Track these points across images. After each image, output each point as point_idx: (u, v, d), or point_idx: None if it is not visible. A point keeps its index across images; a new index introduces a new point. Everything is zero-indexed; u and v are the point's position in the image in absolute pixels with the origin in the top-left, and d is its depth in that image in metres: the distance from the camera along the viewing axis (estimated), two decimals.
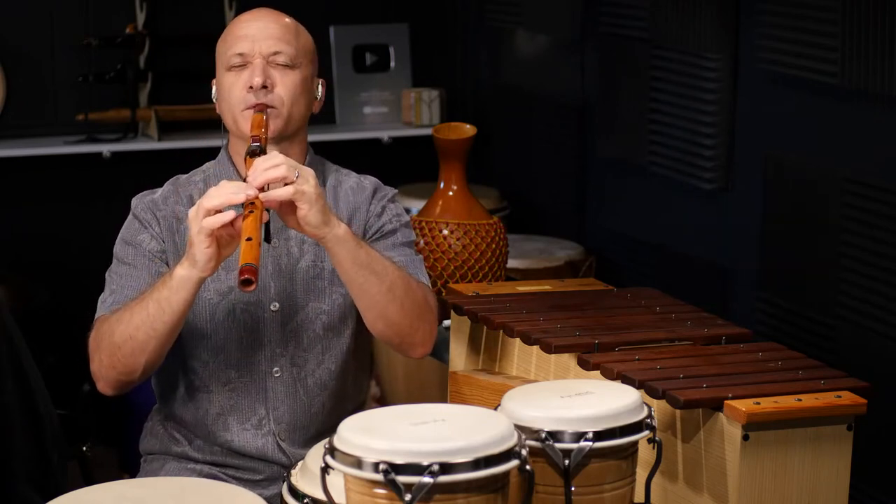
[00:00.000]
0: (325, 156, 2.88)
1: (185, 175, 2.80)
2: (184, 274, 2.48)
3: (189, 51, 4.78)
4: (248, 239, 2.36)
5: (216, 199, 2.43)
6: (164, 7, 4.80)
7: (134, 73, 4.70)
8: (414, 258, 2.76)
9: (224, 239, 2.46)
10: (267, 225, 2.62)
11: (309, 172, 2.48)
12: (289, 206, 2.47)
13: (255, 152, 2.52)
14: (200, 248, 2.44)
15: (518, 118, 4.83)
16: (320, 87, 2.78)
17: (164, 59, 4.79)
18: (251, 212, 2.41)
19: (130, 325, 2.54)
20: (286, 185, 2.45)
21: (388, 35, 5.05)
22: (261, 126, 2.61)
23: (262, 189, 2.44)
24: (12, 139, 4.66)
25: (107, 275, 2.71)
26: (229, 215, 2.42)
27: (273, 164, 2.46)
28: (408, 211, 4.28)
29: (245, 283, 2.32)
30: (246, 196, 2.42)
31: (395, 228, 2.77)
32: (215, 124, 2.84)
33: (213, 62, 2.77)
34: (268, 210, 2.49)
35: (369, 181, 2.82)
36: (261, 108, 2.65)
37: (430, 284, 2.74)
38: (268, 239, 2.65)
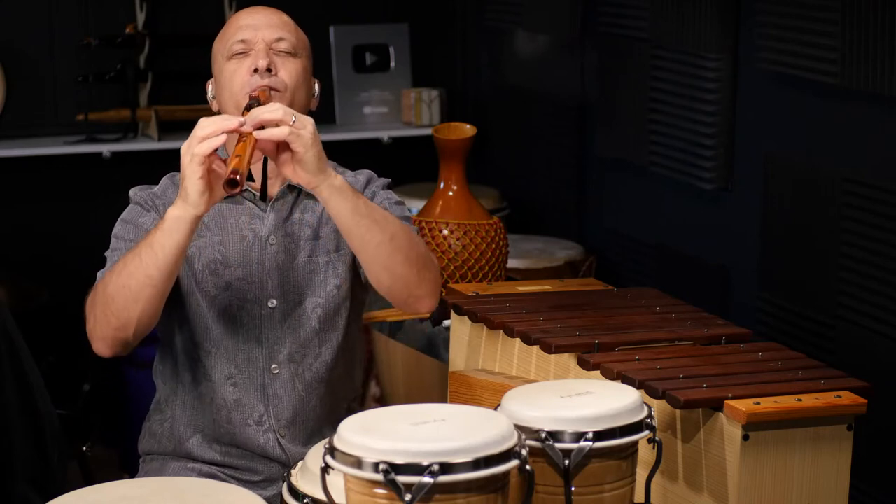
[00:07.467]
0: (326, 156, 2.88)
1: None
2: (177, 214, 2.46)
3: (189, 51, 4.78)
4: (238, 156, 2.37)
5: (209, 127, 2.43)
6: (164, 7, 4.80)
7: (134, 73, 4.70)
8: (410, 226, 2.75)
9: (216, 176, 2.44)
10: (264, 183, 2.63)
11: (307, 120, 2.47)
12: (285, 151, 2.47)
13: (253, 106, 2.52)
14: (193, 179, 2.43)
15: (518, 118, 4.83)
16: (316, 85, 2.80)
17: (164, 59, 4.80)
18: (244, 140, 2.42)
19: (124, 274, 2.51)
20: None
21: (388, 35, 5.05)
22: (264, 93, 2.63)
23: (257, 129, 2.45)
24: (12, 139, 4.66)
25: (106, 254, 2.70)
26: (221, 139, 2.42)
27: (270, 109, 2.46)
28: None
29: (230, 183, 2.32)
30: (238, 123, 2.43)
31: (387, 208, 2.76)
32: None
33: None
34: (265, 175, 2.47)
35: (363, 174, 2.83)
36: (265, 90, 2.66)
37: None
38: (263, 196, 2.65)
